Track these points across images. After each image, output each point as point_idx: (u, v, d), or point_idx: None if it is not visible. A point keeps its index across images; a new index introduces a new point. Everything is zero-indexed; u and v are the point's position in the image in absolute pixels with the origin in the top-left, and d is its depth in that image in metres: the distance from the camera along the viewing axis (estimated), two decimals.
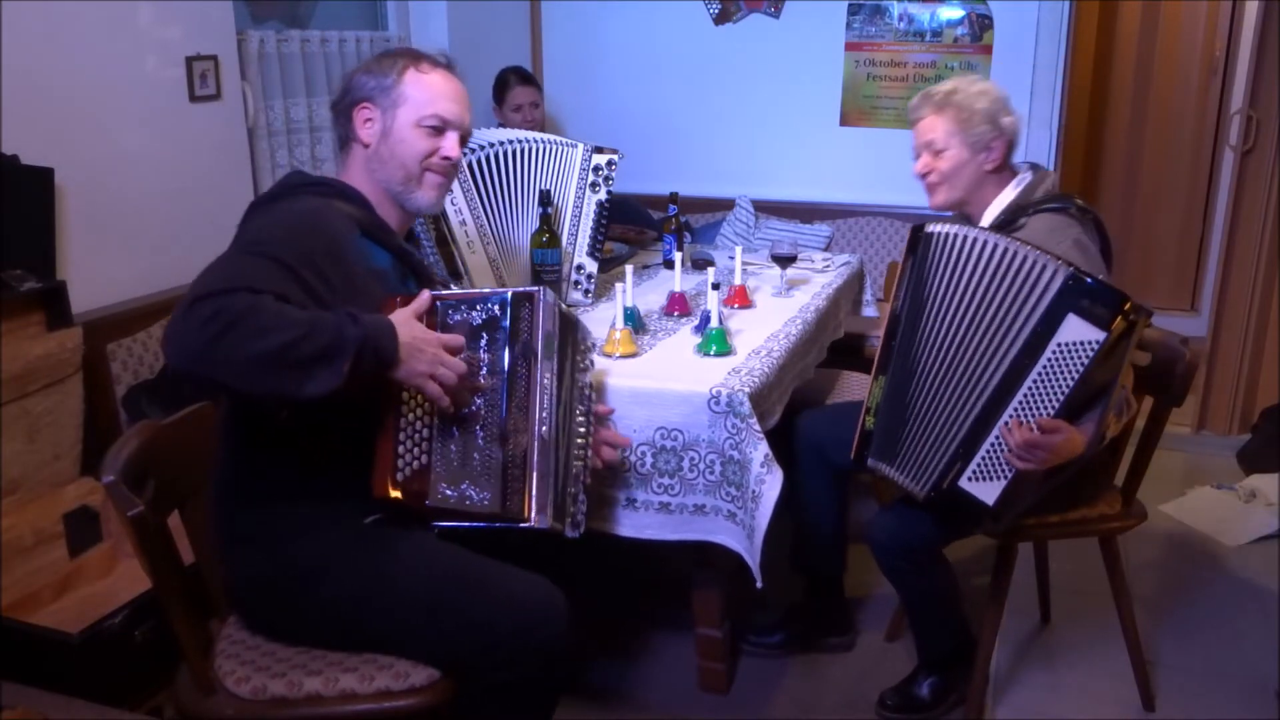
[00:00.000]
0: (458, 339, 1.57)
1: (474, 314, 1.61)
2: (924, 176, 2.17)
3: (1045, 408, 1.84)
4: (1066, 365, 1.80)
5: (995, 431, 1.89)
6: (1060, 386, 1.81)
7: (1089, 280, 1.78)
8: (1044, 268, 1.81)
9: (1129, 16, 4.94)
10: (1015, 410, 1.86)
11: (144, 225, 2.70)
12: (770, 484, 1.94)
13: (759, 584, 1.98)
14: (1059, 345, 1.80)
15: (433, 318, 1.60)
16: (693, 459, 2.04)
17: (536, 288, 1.66)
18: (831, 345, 2.80)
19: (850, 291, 3.06)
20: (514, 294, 1.63)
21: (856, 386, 2.96)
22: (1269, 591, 2.77)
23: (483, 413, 1.61)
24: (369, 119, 1.72)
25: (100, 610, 2.02)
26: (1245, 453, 3.61)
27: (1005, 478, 1.90)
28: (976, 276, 1.91)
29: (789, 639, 2.48)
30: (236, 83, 2.98)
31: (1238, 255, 3.74)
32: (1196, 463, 3.63)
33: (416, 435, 1.58)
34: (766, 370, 2.12)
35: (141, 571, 1.56)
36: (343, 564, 1.59)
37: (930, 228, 2.00)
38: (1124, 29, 4.96)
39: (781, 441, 2.28)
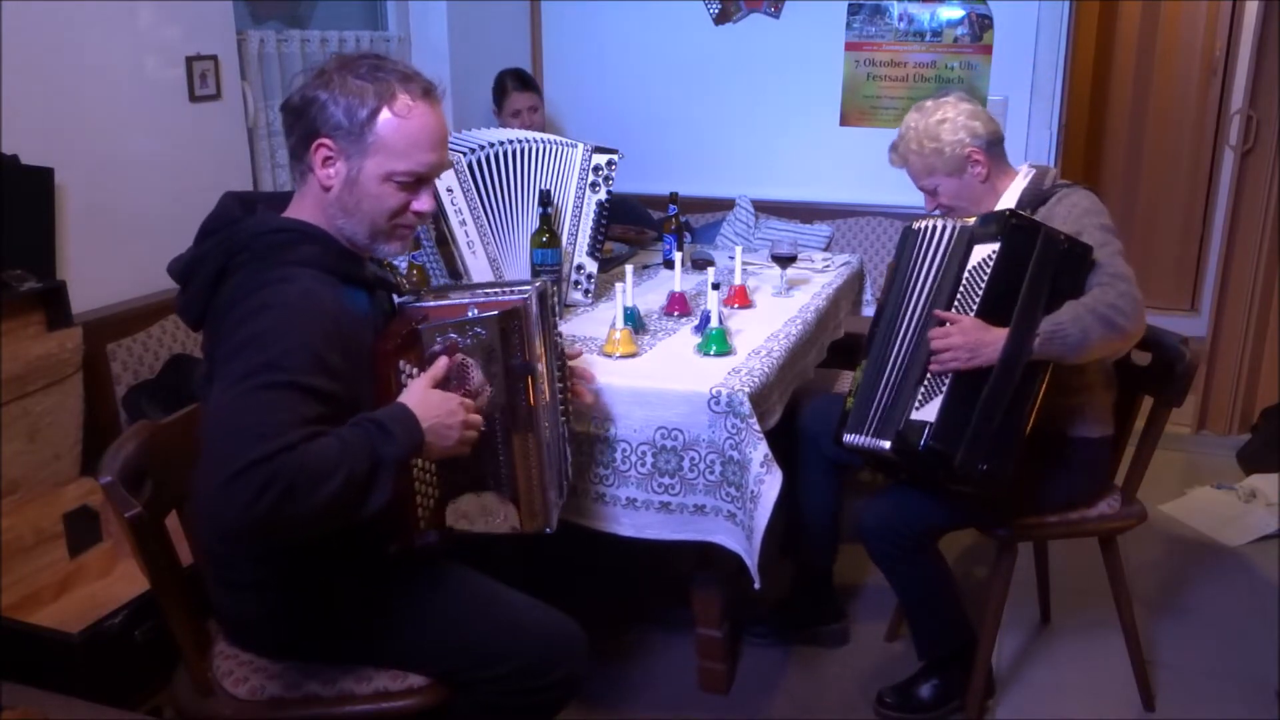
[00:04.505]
0: (455, 394, 1.50)
1: (464, 339, 1.53)
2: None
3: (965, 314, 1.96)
4: (976, 282, 1.96)
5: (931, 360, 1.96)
6: (972, 298, 1.95)
7: (988, 213, 2.02)
8: (962, 225, 2.02)
9: (1129, 16, 4.94)
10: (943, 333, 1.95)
11: (144, 225, 2.70)
12: (770, 484, 1.95)
13: (757, 584, 1.98)
14: (968, 270, 1.97)
15: (419, 349, 1.52)
16: (693, 459, 2.04)
17: (521, 297, 1.58)
18: (831, 345, 2.80)
19: (850, 291, 3.06)
20: (501, 313, 1.54)
21: None
22: (1269, 591, 2.77)
23: (485, 437, 1.55)
24: (329, 158, 1.46)
25: (100, 610, 2.02)
26: (1245, 453, 3.61)
27: (941, 392, 1.93)
28: (926, 256, 2.07)
29: (781, 629, 2.51)
30: (236, 83, 2.98)
31: (1238, 255, 3.74)
32: (1196, 463, 3.63)
33: (427, 475, 1.53)
34: (766, 370, 2.12)
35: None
36: (355, 599, 1.56)
37: (916, 224, 2.14)
38: (1124, 29, 4.96)
39: (781, 436, 2.28)
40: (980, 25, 3.90)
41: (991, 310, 1.92)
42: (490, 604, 1.60)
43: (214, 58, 2.88)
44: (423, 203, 1.51)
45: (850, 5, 4.02)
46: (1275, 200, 3.59)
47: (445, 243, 2.44)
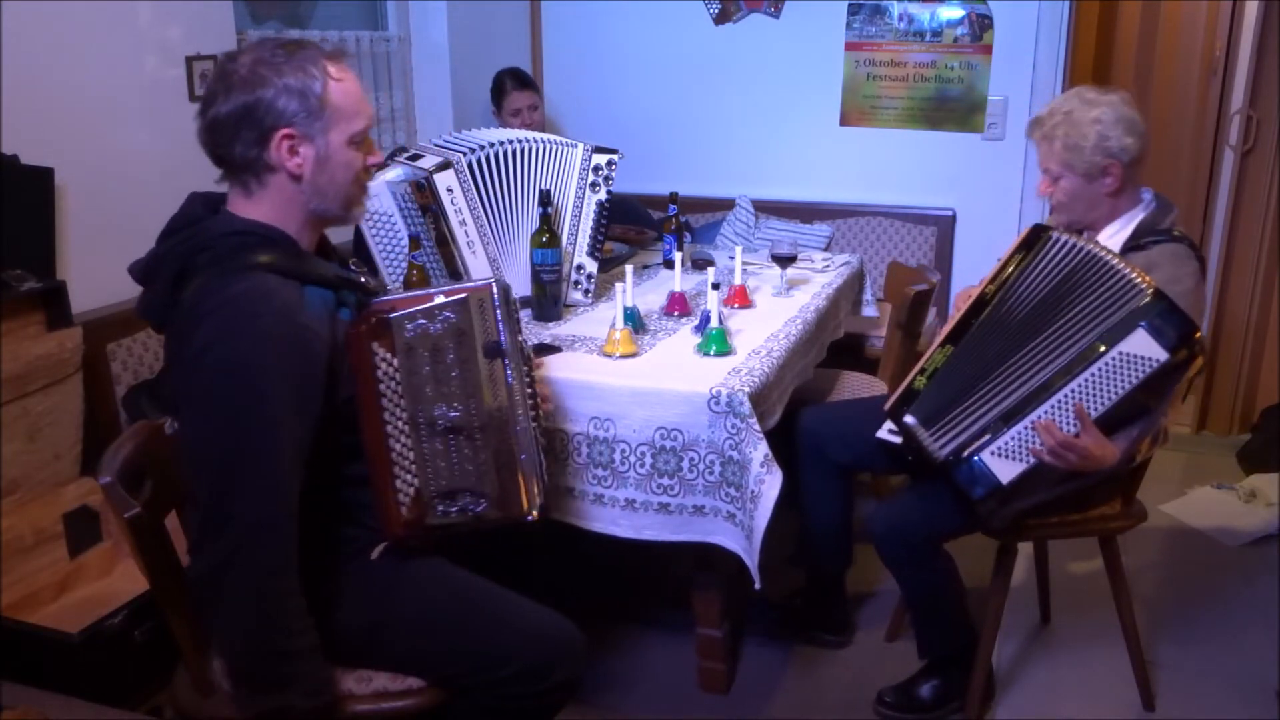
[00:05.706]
0: None
1: (433, 325, 1.56)
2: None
3: (1088, 410, 1.85)
4: (1121, 374, 1.83)
5: (1033, 416, 1.90)
6: (1108, 393, 1.84)
7: (1169, 302, 1.82)
8: (1135, 283, 1.85)
9: (1129, 16, 4.93)
10: (1059, 402, 1.88)
11: (144, 225, 2.66)
12: (770, 484, 1.95)
13: (757, 585, 1.98)
14: (1120, 353, 1.83)
15: (390, 335, 1.54)
16: (692, 459, 2.04)
17: (487, 281, 1.62)
18: (831, 345, 2.80)
19: (850, 291, 3.06)
20: (470, 296, 1.58)
21: (857, 386, 2.96)
22: (1269, 591, 2.76)
23: (462, 422, 1.58)
24: (295, 148, 1.47)
25: (100, 610, 2.02)
26: (1245, 453, 3.61)
27: (1026, 462, 1.91)
28: (1071, 281, 1.93)
29: (788, 616, 2.51)
30: None
31: (1238, 255, 3.74)
32: (1196, 463, 3.63)
33: (405, 463, 1.55)
34: (766, 370, 2.12)
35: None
36: (351, 603, 1.56)
37: (1055, 232, 1.99)
38: (1124, 29, 4.96)
39: (782, 440, 2.28)
40: (980, 25, 3.90)
41: (1112, 415, 1.85)
42: (489, 607, 1.60)
43: (214, 58, 2.87)
44: (375, 155, 1.58)
45: (850, 5, 4.02)
46: (1275, 200, 3.59)
47: (445, 243, 2.44)
